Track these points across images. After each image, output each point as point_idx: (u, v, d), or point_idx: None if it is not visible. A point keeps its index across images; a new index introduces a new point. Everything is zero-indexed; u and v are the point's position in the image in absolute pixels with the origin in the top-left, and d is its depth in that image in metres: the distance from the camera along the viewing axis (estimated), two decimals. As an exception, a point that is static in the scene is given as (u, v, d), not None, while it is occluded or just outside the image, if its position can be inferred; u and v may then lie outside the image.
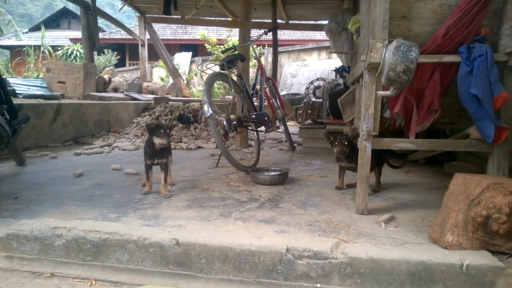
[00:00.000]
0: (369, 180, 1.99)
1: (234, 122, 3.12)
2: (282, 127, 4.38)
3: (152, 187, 2.41)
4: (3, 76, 6.71)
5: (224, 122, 3.05)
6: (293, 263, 1.40)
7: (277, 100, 4.26)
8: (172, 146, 4.53)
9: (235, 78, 3.48)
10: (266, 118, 3.53)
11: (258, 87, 3.85)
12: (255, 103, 3.61)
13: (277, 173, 2.76)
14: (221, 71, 3.22)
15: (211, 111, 2.77)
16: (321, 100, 9.27)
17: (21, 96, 5.71)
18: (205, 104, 2.78)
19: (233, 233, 1.57)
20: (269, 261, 1.41)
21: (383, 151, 2.28)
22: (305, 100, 10.00)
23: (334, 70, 5.73)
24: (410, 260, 1.37)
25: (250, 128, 3.42)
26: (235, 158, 3.04)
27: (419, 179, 2.87)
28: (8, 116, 2.56)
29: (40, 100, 4.90)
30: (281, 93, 10.31)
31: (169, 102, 7.54)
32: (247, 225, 1.79)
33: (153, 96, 8.39)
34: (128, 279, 1.47)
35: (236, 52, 4.01)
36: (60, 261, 1.51)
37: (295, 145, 4.57)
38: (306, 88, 9.35)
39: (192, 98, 9.98)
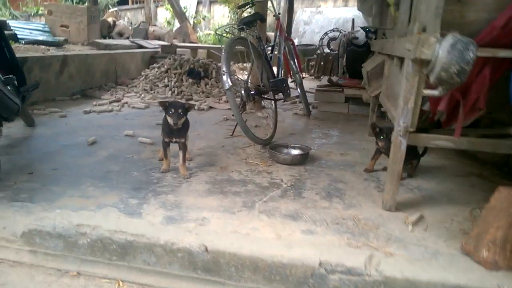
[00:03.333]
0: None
1: (253, 92, 2.97)
2: (299, 90, 4.21)
3: (170, 165, 2.34)
4: (3, 18, 6.36)
5: (242, 92, 2.91)
6: (325, 278, 1.36)
7: (296, 63, 4.05)
8: (183, 105, 4.41)
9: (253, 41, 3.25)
10: (284, 85, 3.37)
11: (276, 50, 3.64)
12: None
13: (298, 152, 2.68)
14: (240, 35, 3.00)
15: (230, 83, 2.61)
16: (335, 52, 8.93)
17: (23, 42, 5.47)
18: (224, 75, 2.62)
19: (262, 240, 1.52)
20: (300, 274, 1.37)
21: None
22: (318, 51, 9.63)
23: (361, 27, 5.39)
24: (446, 283, 1.33)
25: (267, 97, 3.26)
26: (250, 126, 2.93)
27: (441, 162, 2.78)
28: (17, 83, 2.42)
29: (44, 51, 4.67)
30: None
31: (177, 49, 7.26)
32: (273, 221, 1.73)
33: (159, 42, 8.06)
34: (155, 282, 1.44)
35: (254, 7, 3.75)
36: (85, 259, 1.47)
37: (309, 106, 4.41)
38: (320, 39, 8.96)
39: (200, 45, 9.63)
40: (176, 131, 2.19)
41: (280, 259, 1.37)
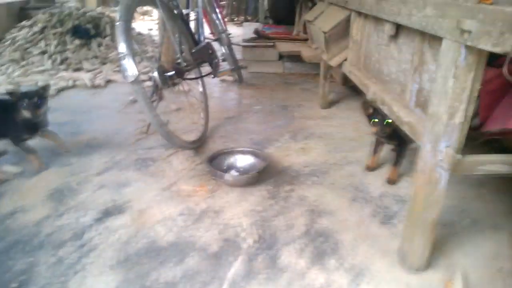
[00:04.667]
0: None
1: (170, 73, 2.00)
2: (226, 50, 3.26)
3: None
4: None
5: (155, 74, 1.92)
6: None
7: (219, 17, 3.06)
8: (71, 83, 3.23)
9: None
10: (211, 52, 2.43)
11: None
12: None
13: (252, 162, 1.87)
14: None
15: (136, 71, 1.63)
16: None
17: None
18: (124, 58, 1.61)
19: None
20: None
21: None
22: (229, -11, 8.50)
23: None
24: None
25: (192, 77, 2.30)
26: (169, 111, 2.03)
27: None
28: None
29: None
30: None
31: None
32: None
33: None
34: None
35: None
36: None
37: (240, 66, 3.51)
38: (231, -24, 7.78)
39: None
40: (37, 123, 1.82)
41: None
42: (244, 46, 3.86)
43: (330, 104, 2.85)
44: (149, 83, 2.44)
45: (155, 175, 1.83)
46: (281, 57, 3.81)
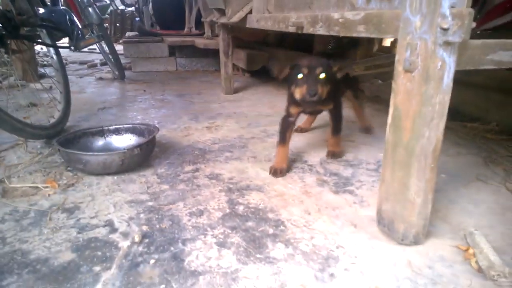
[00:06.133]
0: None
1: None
2: (103, 45, 2.61)
3: None
4: None
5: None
6: None
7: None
8: None
9: None
10: (70, 20, 1.79)
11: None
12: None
13: (130, 138, 1.25)
14: None
15: None
16: (132, 8, 7.30)
17: None
18: None
19: None
20: None
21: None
22: (111, 8, 7.80)
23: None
24: None
25: (38, 41, 1.61)
26: (17, 107, 1.32)
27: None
28: None
29: None
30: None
31: None
32: None
33: None
34: None
35: None
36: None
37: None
38: (112, -8, 7.13)
39: None
40: None
41: None
42: (125, 42, 3.22)
43: (236, 90, 2.38)
44: None
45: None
46: (172, 53, 3.26)
